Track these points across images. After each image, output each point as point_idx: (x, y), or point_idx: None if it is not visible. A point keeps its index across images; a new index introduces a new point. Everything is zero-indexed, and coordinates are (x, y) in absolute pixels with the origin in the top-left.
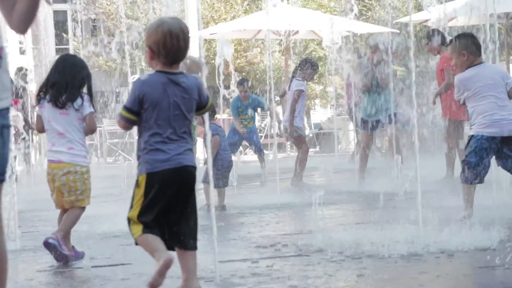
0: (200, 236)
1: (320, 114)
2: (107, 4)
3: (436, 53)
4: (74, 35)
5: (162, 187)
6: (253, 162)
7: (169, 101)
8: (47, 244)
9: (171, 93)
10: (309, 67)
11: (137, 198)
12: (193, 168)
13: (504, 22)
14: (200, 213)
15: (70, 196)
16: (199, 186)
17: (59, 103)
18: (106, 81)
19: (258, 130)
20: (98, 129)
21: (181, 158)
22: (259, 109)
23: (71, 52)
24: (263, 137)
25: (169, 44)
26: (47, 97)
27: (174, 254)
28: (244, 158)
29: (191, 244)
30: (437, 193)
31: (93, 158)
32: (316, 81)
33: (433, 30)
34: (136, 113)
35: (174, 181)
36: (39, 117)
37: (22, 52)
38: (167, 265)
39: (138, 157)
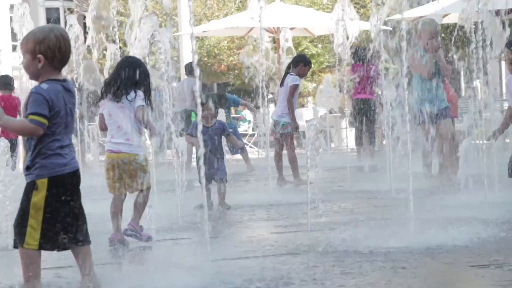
0: (192, 234)
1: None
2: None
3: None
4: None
5: (64, 190)
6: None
7: (66, 108)
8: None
9: (67, 101)
10: (302, 63)
11: (37, 203)
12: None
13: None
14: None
15: (132, 183)
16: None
17: (115, 97)
18: (99, 79)
19: (252, 128)
20: (89, 127)
21: (75, 162)
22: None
23: None
24: (255, 135)
25: (63, 48)
26: (108, 95)
27: None
28: (237, 156)
29: (88, 239)
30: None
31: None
32: (308, 78)
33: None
34: (48, 118)
35: (71, 184)
36: (101, 116)
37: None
38: None
39: (33, 163)
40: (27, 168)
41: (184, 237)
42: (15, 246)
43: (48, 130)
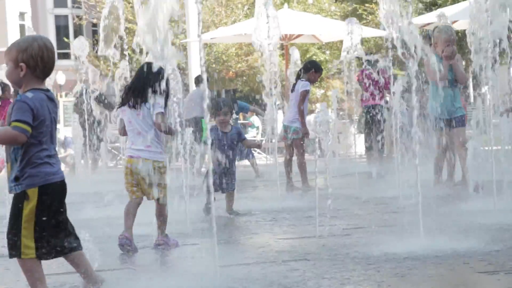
0: (200, 240)
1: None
2: None
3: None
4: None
5: (54, 198)
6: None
7: (50, 118)
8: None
9: (51, 110)
10: (313, 69)
11: (28, 212)
12: None
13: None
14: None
15: (149, 189)
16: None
17: (135, 104)
18: (108, 85)
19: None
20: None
21: (62, 172)
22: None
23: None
24: (264, 141)
25: (46, 57)
26: (128, 102)
27: None
28: (245, 162)
29: (80, 244)
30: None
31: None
32: (317, 85)
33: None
34: (32, 127)
35: (61, 193)
36: (121, 121)
37: None
38: None
39: (22, 173)
40: (16, 179)
41: (192, 243)
42: (11, 257)
43: (35, 140)
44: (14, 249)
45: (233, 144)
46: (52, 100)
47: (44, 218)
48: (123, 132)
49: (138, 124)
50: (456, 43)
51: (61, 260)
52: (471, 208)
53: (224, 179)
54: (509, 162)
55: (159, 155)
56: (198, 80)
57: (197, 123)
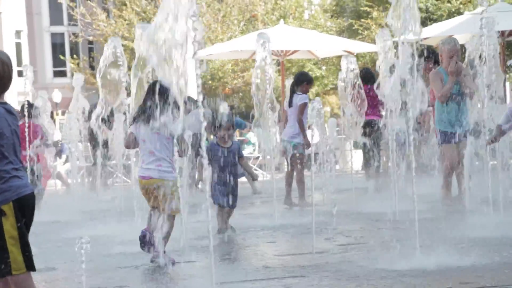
0: (197, 257)
1: (316, 133)
2: (104, 26)
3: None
4: (72, 57)
5: (27, 211)
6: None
7: (10, 130)
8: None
9: (10, 122)
10: (305, 81)
11: (9, 228)
12: None
13: (499, 40)
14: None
15: (162, 205)
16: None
17: (149, 123)
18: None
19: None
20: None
21: (30, 184)
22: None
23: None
24: (260, 157)
25: (1, 71)
26: (142, 118)
27: None
28: (242, 179)
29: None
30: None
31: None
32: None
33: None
34: None
35: (32, 205)
36: (130, 134)
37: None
38: None
39: None
40: None
41: (190, 260)
42: (2, 275)
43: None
44: (4, 266)
45: (235, 159)
46: (11, 113)
47: (24, 231)
48: (133, 145)
49: (152, 143)
50: (459, 55)
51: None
52: (470, 222)
53: (228, 195)
54: (506, 175)
55: (170, 174)
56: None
57: (197, 139)
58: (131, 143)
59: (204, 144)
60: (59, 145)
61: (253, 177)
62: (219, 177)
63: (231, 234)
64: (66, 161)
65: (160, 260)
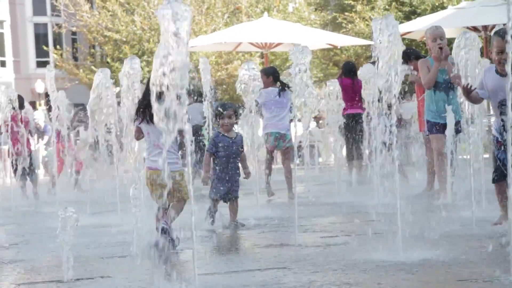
0: (182, 247)
1: (300, 126)
2: (87, 17)
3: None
4: (55, 47)
5: None
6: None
7: None
8: (163, 230)
9: None
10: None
11: None
12: None
13: (483, 34)
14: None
15: (169, 196)
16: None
17: (151, 119)
18: (87, 94)
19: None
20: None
21: None
22: None
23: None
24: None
25: None
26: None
27: None
28: None
29: None
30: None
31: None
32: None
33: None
34: None
35: None
36: (138, 129)
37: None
38: None
39: None
40: None
41: (175, 251)
42: None
43: None
44: None
45: (238, 150)
46: None
47: None
48: (141, 137)
49: (156, 136)
50: (444, 39)
51: None
52: (451, 216)
53: (228, 187)
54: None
55: (175, 165)
56: (197, 95)
57: (197, 131)
58: (138, 137)
59: (205, 135)
60: (44, 126)
61: (245, 175)
62: (221, 168)
63: (215, 227)
64: (48, 143)
65: (177, 245)
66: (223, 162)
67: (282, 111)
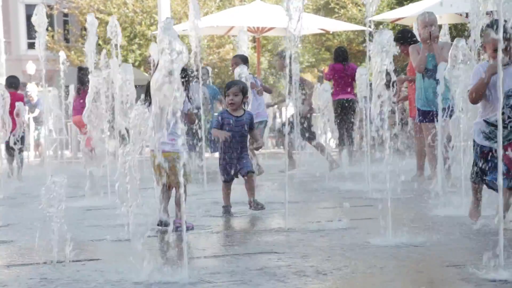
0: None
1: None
2: None
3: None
4: (47, 29)
5: None
6: None
7: None
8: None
9: None
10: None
11: None
12: None
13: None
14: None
15: (173, 177)
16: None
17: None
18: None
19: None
20: (68, 124)
21: None
22: None
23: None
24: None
25: None
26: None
27: None
28: (217, 155)
29: None
30: None
31: (64, 152)
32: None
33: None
34: None
35: None
36: (189, 113)
37: None
38: None
39: None
40: None
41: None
42: None
43: None
44: None
45: (244, 130)
46: None
47: None
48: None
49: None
50: (435, 26)
51: None
52: (440, 202)
53: (234, 166)
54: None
55: (182, 147)
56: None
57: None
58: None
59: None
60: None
61: (257, 145)
62: (225, 148)
63: (201, 210)
64: (39, 116)
65: (183, 228)
66: (230, 142)
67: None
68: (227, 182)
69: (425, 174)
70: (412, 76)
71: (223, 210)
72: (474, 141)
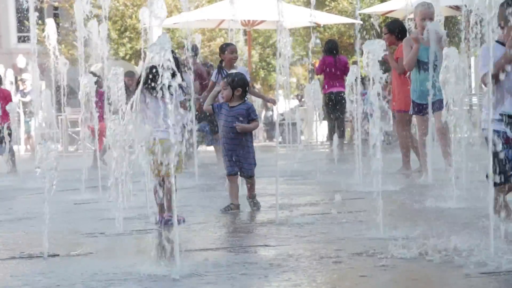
0: (162, 225)
1: (282, 104)
2: None
3: (391, 44)
4: (37, 23)
5: None
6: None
7: None
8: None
9: None
10: None
11: None
12: None
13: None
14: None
15: (162, 166)
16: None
17: (152, 92)
18: (69, 70)
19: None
20: (59, 117)
21: None
22: None
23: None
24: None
25: None
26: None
27: None
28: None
29: None
30: None
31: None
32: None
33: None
34: None
35: None
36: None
37: None
38: None
39: None
40: None
41: (155, 228)
42: None
43: None
44: None
45: (238, 120)
46: None
47: None
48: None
49: (157, 107)
50: (433, 19)
51: None
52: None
53: (239, 166)
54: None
55: (177, 135)
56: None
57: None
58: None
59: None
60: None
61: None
62: (224, 140)
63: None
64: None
65: (174, 220)
66: (223, 134)
67: None
68: (230, 175)
69: (413, 167)
70: (395, 64)
71: (226, 207)
72: (494, 131)
